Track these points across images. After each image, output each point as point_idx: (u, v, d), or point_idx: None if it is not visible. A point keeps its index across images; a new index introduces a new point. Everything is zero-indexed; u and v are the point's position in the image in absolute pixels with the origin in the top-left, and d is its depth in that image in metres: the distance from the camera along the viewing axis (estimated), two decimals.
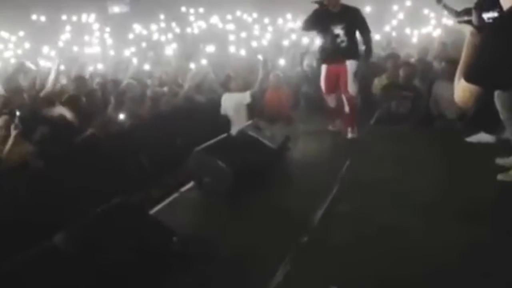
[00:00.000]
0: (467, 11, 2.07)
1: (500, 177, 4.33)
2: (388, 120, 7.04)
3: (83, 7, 18.21)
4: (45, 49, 9.49)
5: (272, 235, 3.80)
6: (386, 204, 4.18)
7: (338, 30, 6.09)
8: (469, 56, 2.06)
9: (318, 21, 6.14)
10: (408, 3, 13.26)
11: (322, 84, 6.46)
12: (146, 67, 8.04)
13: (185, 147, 5.74)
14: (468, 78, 1.94)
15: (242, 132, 5.64)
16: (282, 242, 3.62)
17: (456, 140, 5.57)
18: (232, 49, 10.04)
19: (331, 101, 6.60)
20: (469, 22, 2.16)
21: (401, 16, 12.41)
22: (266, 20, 14.94)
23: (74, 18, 18.00)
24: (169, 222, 3.89)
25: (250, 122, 5.87)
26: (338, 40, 6.12)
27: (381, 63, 8.02)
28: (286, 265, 3.31)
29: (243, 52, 9.29)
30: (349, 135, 6.37)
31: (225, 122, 6.37)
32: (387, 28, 11.05)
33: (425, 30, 10.27)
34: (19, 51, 13.03)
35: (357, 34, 6.33)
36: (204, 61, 8.17)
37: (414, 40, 9.43)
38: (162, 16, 16.69)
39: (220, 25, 15.00)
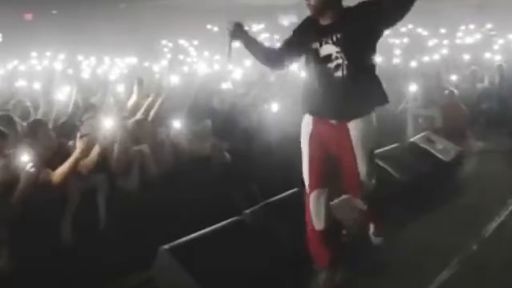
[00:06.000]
0: None
1: None
2: None
3: (253, 17, 19.22)
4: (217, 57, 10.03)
5: (442, 239, 3.86)
6: None
7: (330, 49, 2.97)
8: None
9: (298, 37, 3.18)
10: None
11: (306, 170, 3.19)
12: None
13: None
14: None
15: (414, 143, 5.72)
16: (451, 247, 3.69)
17: None
18: None
19: (317, 205, 3.11)
20: None
21: None
22: None
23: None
24: None
25: (423, 134, 5.91)
26: (330, 65, 2.97)
27: None
28: (454, 266, 3.39)
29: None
30: (373, 239, 3.40)
31: None
32: None
33: None
34: (194, 59, 13.77)
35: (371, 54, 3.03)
36: None
37: None
38: None
39: None
